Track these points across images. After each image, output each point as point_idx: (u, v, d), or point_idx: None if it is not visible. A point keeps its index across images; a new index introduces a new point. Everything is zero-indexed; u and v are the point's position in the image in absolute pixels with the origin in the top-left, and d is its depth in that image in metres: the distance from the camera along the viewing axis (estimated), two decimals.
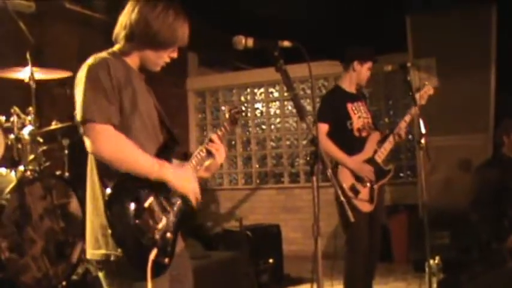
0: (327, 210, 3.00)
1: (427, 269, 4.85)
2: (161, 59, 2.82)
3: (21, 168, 5.11)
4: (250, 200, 9.82)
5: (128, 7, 2.77)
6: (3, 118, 5.25)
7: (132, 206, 2.57)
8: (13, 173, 5.06)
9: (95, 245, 2.65)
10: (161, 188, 2.68)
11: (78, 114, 2.57)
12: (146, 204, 2.61)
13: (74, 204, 5.28)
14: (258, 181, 10.05)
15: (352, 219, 2.79)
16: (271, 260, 6.78)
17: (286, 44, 2.97)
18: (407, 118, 5.29)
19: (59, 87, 6.09)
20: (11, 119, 5.28)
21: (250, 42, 2.96)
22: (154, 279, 2.56)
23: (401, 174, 8.97)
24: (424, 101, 5.29)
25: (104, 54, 2.72)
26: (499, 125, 6.01)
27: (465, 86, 7.49)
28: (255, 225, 7.26)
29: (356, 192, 5.17)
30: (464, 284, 5.20)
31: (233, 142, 10.24)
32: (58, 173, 5.45)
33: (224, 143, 3.11)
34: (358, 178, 5.21)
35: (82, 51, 7.92)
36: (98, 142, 2.53)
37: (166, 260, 2.66)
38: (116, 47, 2.82)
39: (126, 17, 2.75)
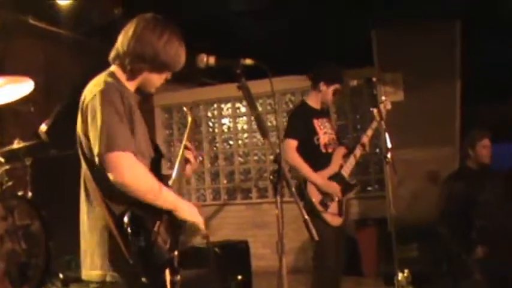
0: (295, 225, 2.99)
1: (396, 283, 4.86)
2: (161, 80, 2.95)
3: None
4: (219, 216, 9.76)
5: (133, 30, 2.82)
6: None
7: (148, 232, 2.64)
8: None
9: (91, 265, 2.72)
10: (161, 210, 2.74)
11: (98, 143, 2.57)
12: (156, 228, 2.67)
13: (36, 225, 5.19)
14: (226, 197, 10.00)
15: (316, 238, 2.76)
16: (239, 277, 6.72)
17: (248, 62, 2.98)
18: (369, 132, 5.32)
19: (23, 104, 5.99)
20: None
21: (212, 60, 2.98)
22: None
23: (370, 188, 8.99)
24: (383, 117, 5.29)
25: (107, 78, 2.75)
26: (465, 137, 6.06)
27: (431, 99, 7.56)
28: (223, 242, 7.20)
29: (326, 206, 5.17)
30: None
31: (200, 158, 10.19)
32: (20, 193, 5.35)
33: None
34: (325, 194, 5.20)
35: (47, 67, 7.92)
36: (122, 171, 2.56)
37: (178, 277, 2.73)
38: (113, 69, 2.86)
39: (133, 41, 2.80)
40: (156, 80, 2.91)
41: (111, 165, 2.56)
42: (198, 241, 7.40)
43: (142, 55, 2.78)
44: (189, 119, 3.31)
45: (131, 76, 2.84)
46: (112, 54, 2.88)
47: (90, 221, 2.72)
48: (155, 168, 2.86)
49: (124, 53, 2.81)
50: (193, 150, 3.16)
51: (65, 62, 8.33)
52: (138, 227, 2.62)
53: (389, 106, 5.38)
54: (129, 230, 2.60)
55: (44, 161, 6.46)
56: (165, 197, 2.71)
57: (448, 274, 6.42)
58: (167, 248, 2.72)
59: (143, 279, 2.60)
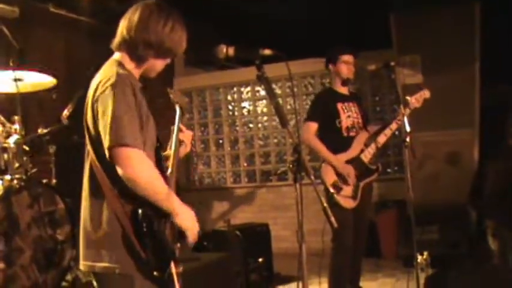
0: (315, 207, 3.03)
1: (415, 265, 4.89)
2: (163, 66, 2.95)
3: (7, 177, 5.10)
4: (239, 199, 9.84)
5: (137, 18, 2.82)
6: None
7: (160, 227, 2.67)
8: (0, 182, 5.05)
9: (96, 257, 2.69)
10: None
11: (108, 137, 2.56)
12: (163, 221, 2.71)
13: (61, 212, 5.28)
14: (246, 180, 10.07)
15: (335, 225, 2.81)
16: (260, 259, 6.78)
17: (266, 52, 3.01)
18: (394, 126, 5.35)
19: (45, 91, 6.06)
20: None
21: (231, 51, 3.01)
22: None
23: (389, 170, 9.01)
24: (419, 104, 5.35)
25: (118, 69, 2.74)
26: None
27: (450, 82, 7.52)
28: (244, 225, 7.27)
29: (338, 189, 5.28)
30: (452, 280, 5.23)
31: (221, 141, 10.26)
32: (45, 180, 5.43)
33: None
34: (341, 175, 5.30)
35: (68, 55, 7.99)
36: (132, 167, 2.56)
37: (181, 268, 2.78)
38: (119, 57, 2.86)
39: (137, 29, 2.80)
40: (160, 65, 2.93)
41: (121, 160, 2.56)
42: (219, 224, 7.48)
43: (149, 42, 2.79)
44: (177, 108, 3.14)
45: (138, 63, 2.85)
46: (116, 40, 2.87)
47: (96, 213, 2.69)
48: (159, 158, 2.87)
49: (131, 39, 2.81)
50: (187, 131, 3.15)
51: (85, 48, 8.39)
52: (152, 221, 2.64)
53: (427, 95, 5.41)
54: (142, 223, 2.61)
55: (67, 148, 6.55)
56: (171, 201, 2.70)
57: (467, 256, 6.45)
58: (172, 241, 2.75)
59: (155, 273, 2.64)
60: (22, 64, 5.45)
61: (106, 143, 2.57)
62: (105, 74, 2.71)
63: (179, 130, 3.06)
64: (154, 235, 2.63)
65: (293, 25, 8.16)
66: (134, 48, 2.81)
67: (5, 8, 6.77)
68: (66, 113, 6.60)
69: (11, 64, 5.34)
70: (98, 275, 2.73)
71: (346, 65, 5.47)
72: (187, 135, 3.13)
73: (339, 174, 5.31)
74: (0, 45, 6.07)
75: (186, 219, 2.78)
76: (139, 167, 2.57)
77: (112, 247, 2.65)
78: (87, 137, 2.76)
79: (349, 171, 5.29)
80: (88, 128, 2.73)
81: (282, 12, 8.05)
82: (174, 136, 3.03)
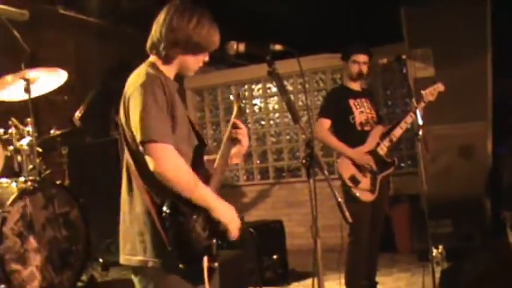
0: (331, 202, 3.03)
1: (430, 259, 4.88)
2: (198, 63, 2.97)
3: (21, 179, 5.13)
4: (252, 196, 9.84)
5: (163, 18, 2.89)
6: (1, 130, 5.28)
7: (186, 219, 2.69)
8: (14, 184, 5.09)
9: (132, 251, 2.78)
10: None
11: (140, 134, 2.64)
12: (195, 216, 2.72)
13: (75, 212, 5.31)
14: (259, 177, 10.06)
15: (349, 220, 2.80)
16: (275, 256, 6.78)
17: (277, 47, 3.00)
18: (408, 120, 5.33)
19: (57, 93, 6.09)
20: (9, 130, 5.31)
21: (241, 47, 3.00)
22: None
23: (402, 164, 8.97)
24: (433, 98, 5.35)
25: (148, 69, 2.82)
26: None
27: (462, 74, 7.48)
28: (258, 222, 7.28)
29: (356, 182, 5.28)
30: (467, 273, 5.22)
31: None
32: (58, 182, 5.46)
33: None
34: (359, 168, 5.31)
35: (78, 56, 8.02)
36: (162, 162, 2.62)
37: (216, 264, 2.80)
38: (153, 59, 2.93)
39: (164, 27, 2.86)
40: (193, 62, 2.94)
41: (151, 155, 2.63)
42: None
43: (175, 41, 2.84)
44: (235, 107, 3.21)
45: (167, 62, 2.90)
46: (148, 44, 2.95)
47: (131, 207, 2.78)
48: (198, 156, 2.92)
49: (158, 40, 2.87)
50: (242, 127, 3.11)
51: (95, 49, 8.43)
52: (177, 214, 2.67)
53: (442, 89, 5.40)
54: (167, 217, 2.65)
55: (80, 149, 6.59)
56: (202, 195, 2.74)
57: (482, 249, 6.43)
58: (205, 236, 2.75)
59: (180, 266, 2.66)
60: (33, 67, 5.47)
61: (138, 137, 2.66)
62: (136, 75, 2.81)
63: (235, 127, 3.09)
64: (179, 229, 2.66)
65: (303, 20, 8.14)
66: (161, 48, 2.87)
67: (15, 11, 6.80)
68: (78, 114, 6.64)
69: (22, 68, 5.36)
70: (135, 269, 2.80)
71: (356, 65, 5.47)
72: (242, 132, 3.11)
73: (357, 167, 5.31)
74: (12, 49, 6.11)
75: (224, 213, 2.82)
76: (167, 162, 2.63)
77: (144, 240, 2.72)
78: (121, 134, 2.85)
79: (368, 160, 5.31)
80: (122, 126, 2.82)
81: (292, 7, 8.03)
82: (226, 135, 3.08)
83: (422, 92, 5.34)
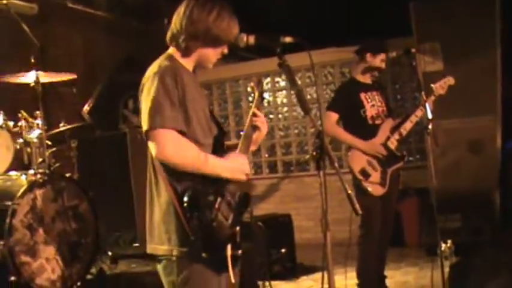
0: (340, 196, 3.03)
1: (439, 253, 4.86)
2: (217, 55, 2.99)
3: (31, 171, 5.15)
4: (261, 190, 9.84)
5: (183, 10, 2.91)
6: (11, 123, 5.30)
7: (208, 208, 2.71)
8: (23, 176, 5.11)
9: (158, 241, 2.81)
10: (223, 186, 2.83)
11: (145, 123, 2.71)
12: (217, 205, 2.74)
13: (84, 205, 5.33)
14: (267, 171, 10.07)
15: (359, 212, 2.80)
16: (283, 250, 6.79)
17: (288, 39, 3.00)
18: (419, 113, 5.29)
19: (66, 87, 6.11)
20: (19, 123, 5.33)
21: (251, 39, 3.00)
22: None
23: (411, 158, 8.95)
24: (444, 91, 5.32)
25: (163, 61, 2.85)
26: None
27: (471, 69, 7.44)
28: (267, 216, 7.27)
29: (366, 175, 5.26)
30: (476, 268, 5.20)
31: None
32: (68, 174, 5.48)
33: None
34: (369, 161, 5.29)
35: (87, 50, 8.04)
36: (160, 147, 2.67)
37: (240, 251, 2.81)
38: (172, 50, 2.96)
39: (184, 20, 2.89)
40: (212, 55, 2.96)
41: (152, 142, 2.70)
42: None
43: (194, 33, 2.86)
44: (256, 93, 3.27)
45: (187, 54, 2.92)
46: (168, 35, 2.97)
47: (157, 198, 2.81)
48: (218, 144, 2.94)
49: (178, 32, 2.90)
50: (261, 115, 3.18)
51: (102, 43, 8.44)
52: (199, 203, 2.69)
53: (452, 82, 5.37)
54: (189, 206, 2.67)
55: (89, 143, 6.60)
56: (213, 168, 2.78)
57: (491, 244, 6.41)
58: (229, 224, 2.77)
59: (203, 255, 2.67)
60: (42, 60, 5.50)
61: (144, 125, 2.71)
62: (152, 67, 2.85)
63: (254, 115, 3.13)
64: (201, 219, 2.67)
65: (312, 14, 8.13)
66: (181, 40, 2.89)
67: (24, 4, 6.82)
68: (86, 108, 6.66)
69: (32, 61, 5.38)
70: (160, 258, 2.83)
71: (382, 63, 5.44)
72: (261, 120, 3.16)
73: (367, 160, 5.29)
74: (21, 42, 6.12)
75: (230, 172, 2.84)
76: (169, 146, 2.67)
77: (169, 230, 2.75)
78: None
79: (380, 149, 5.29)
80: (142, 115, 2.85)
81: (301, 2, 8.03)
82: (247, 121, 3.12)
83: (432, 85, 5.31)
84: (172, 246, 2.75)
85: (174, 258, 2.75)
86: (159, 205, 2.80)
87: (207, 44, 2.90)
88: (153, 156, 2.78)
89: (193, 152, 2.73)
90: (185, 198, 2.68)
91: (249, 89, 10.04)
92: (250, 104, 3.27)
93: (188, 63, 2.94)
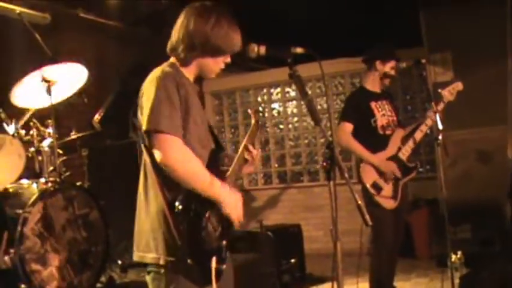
0: (350, 207, 3.03)
1: (449, 264, 4.84)
2: (218, 65, 2.97)
3: (42, 180, 5.18)
4: (270, 200, 9.83)
5: (181, 20, 2.91)
6: (23, 132, 5.33)
7: (198, 218, 2.70)
8: (35, 185, 5.13)
9: (145, 248, 2.77)
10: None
11: (146, 123, 2.67)
12: (207, 215, 2.74)
13: (95, 214, 5.34)
14: (277, 181, 10.07)
15: (369, 223, 2.79)
16: (293, 260, 6.78)
17: (299, 50, 2.99)
18: (429, 122, 5.24)
19: (77, 96, 6.14)
20: (31, 132, 5.36)
21: (262, 50, 2.99)
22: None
23: (421, 169, 8.92)
24: (453, 97, 5.26)
25: (165, 67, 2.85)
26: None
27: (482, 79, 7.45)
28: (276, 226, 7.27)
29: (378, 189, 5.18)
30: (486, 279, 5.18)
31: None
32: (78, 183, 5.50)
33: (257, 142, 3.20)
34: (381, 175, 5.22)
35: (98, 59, 8.08)
36: (168, 153, 2.64)
37: (224, 266, 2.82)
38: (173, 59, 2.95)
39: (182, 30, 2.88)
40: (212, 64, 2.93)
41: (157, 145, 2.65)
42: (251, 226, 7.50)
43: (192, 43, 2.85)
44: (252, 121, 3.25)
45: (186, 64, 2.91)
46: (168, 46, 2.96)
47: (146, 205, 2.77)
48: (214, 160, 2.92)
49: (177, 43, 2.89)
50: (254, 152, 3.13)
51: (114, 52, 8.48)
52: (189, 211, 2.67)
53: (460, 87, 5.31)
54: (180, 212, 2.65)
55: (99, 151, 6.62)
56: (211, 187, 2.74)
57: (501, 254, 6.38)
58: (216, 236, 2.77)
59: (188, 261, 2.64)
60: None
61: (144, 126, 2.68)
62: (155, 70, 2.84)
63: (245, 148, 3.10)
64: (191, 225, 2.66)
65: (322, 24, 8.14)
66: (180, 51, 2.89)
67: (37, 14, 6.87)
68: (97, 117, 6.68)
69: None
70: (148, 266, 2.80)
71: (392, 71, 5.42)
72: (253, 155, 3.12)
73: (380, 173, 5.22)
74: (34, 52, 6.16)
75: (229, 205, 2.81)
76: (174, 153, 2.65)
77: (157, 238, 2.72)
78: (138, 129, 2.85)
79: (393, 168, 5.23)
80: (138, 122, 2.82)
81: (310, 11, 8.03)
82: (238, 153, 3.10)
83: (441, 91, 5.25)
84: (160, 254, 2.71)
85: (162, 270, 2.72)
86: (148, 212, 2.77)
87: (205, 54, 2.89)
88: (146, 161, 2.77)
89: (198, 165, 2.72)
90: (177, 204, 2.66)
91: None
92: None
93: (189, 73, 2.93)
